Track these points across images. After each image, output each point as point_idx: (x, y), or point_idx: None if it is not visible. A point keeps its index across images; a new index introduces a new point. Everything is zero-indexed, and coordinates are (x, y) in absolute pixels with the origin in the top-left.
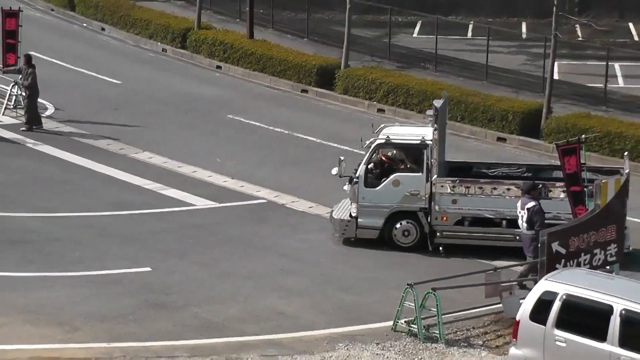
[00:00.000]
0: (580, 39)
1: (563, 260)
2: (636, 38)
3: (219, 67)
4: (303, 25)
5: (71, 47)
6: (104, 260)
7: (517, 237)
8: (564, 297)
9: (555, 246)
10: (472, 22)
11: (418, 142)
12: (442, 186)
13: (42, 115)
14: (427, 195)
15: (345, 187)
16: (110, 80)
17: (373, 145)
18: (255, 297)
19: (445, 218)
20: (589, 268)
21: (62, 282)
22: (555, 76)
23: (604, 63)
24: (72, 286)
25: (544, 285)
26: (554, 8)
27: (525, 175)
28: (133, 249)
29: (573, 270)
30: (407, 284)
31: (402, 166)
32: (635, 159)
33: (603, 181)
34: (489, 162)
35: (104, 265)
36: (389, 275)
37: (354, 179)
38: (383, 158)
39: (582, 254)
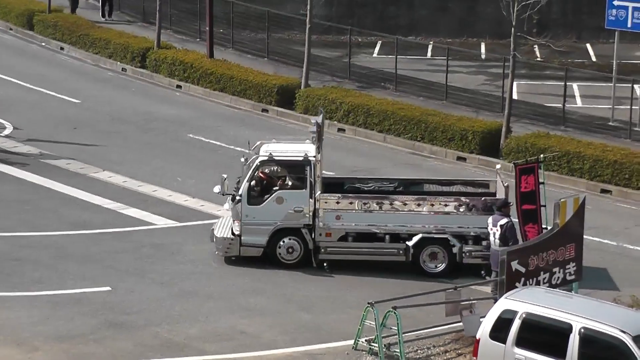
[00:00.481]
0: (538, 59)
1: (523, 279)
2: (594, 59)
3: (179, 86)
4: (263, 45)
5: (30, 67)
6: (64, 280)
7: (401, 252)
8: (524, 315)
9: (514, 265)
10: (431, 42)
11: (301, 158)
12: (326, 202)
13: (1, 134)
14: (311, 212)
15: (226, 206)
16: (69, 99)
17: (256, 163)
18: (216, 316)
19: (329, 234)
20: (548, 286)
21: (21, 302)
22: (515, 96)
23: (562, 83)
24: (32, 306)
25: (503, 303)
26: (512, 29)
27: (397, 189)
28: (92, 268)
29: (532, 288)
30: (368, 303)
31: (280, 182)
32: (593, 178)
33: (562, 200)
34: (360, 177)
35: (63, 285)
36: (349, 294)
37: (237, 197)
38: (261, 175)
39: (542, 273)
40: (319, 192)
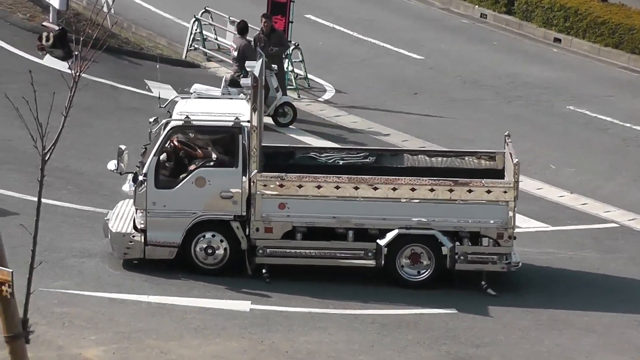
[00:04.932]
0: None
1: None
2: None
3: (557, 39)
4: None
5: (356, 9)
6: (397, 298)
7: (370, 254)
8: None
9: None
10: None
11: (230, 123)
12: (265, 185)
13: (319, 99)
14: (244, 198)
15: (125, 188)
16: (409, 54)
17: (167, 128)
18: (599, 355)
19: (269, 229)
20: None
21: (338, 321)
22: None
23: None
24: (352, 328)
25: None
26: None
27: (367, 162)
28: (436, 286)
29: None
30: None
31: (199, 152)
32: None
33: None
34: (319, 146)
35: (392, 302)
36: None
37: (140, 177)
38: (176, 144)
39: None
40: (256, 170)
